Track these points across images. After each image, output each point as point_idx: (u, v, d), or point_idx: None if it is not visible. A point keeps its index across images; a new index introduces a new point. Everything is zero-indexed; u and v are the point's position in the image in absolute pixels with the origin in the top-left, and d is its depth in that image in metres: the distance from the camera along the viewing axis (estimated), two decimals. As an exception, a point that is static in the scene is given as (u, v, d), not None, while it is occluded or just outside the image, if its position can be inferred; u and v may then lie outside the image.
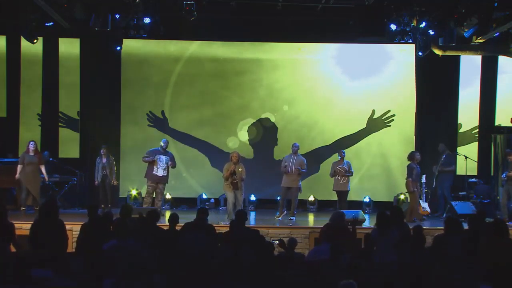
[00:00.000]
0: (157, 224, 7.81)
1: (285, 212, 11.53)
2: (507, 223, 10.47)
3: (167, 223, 8.26)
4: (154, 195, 11.39)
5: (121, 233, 6.64)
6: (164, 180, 11.31)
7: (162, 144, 11.37)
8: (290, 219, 11.22)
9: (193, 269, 5.71)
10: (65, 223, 7.26)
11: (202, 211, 7.95)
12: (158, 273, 5.58)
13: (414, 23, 10.83)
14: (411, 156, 11.51)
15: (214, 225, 8.27)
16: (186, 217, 8.36)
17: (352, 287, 4.66)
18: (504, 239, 6.83)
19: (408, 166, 11.36)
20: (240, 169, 10.82)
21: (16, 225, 8.37)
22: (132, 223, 7.65)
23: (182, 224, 7.98)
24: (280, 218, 11.36)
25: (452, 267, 6.00)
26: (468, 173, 12.41)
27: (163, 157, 11.26)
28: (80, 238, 7.63)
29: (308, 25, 12.85)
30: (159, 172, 11.21)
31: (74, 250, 8.30)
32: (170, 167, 11.33)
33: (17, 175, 11.28)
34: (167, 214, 11.95)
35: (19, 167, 11.25)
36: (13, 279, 5.23)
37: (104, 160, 11.90)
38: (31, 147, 11.34)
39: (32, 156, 11.33)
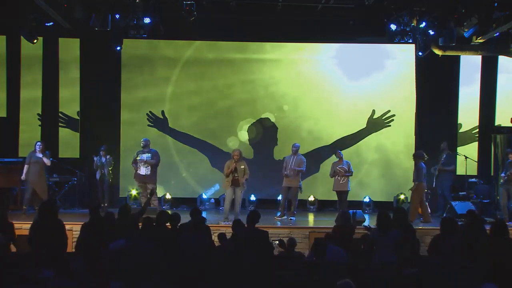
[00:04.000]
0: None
1: (285, 215, 11.47)
2: (507, 223, 10.54)
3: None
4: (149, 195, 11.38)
5: (123, 232, 6.62)
6: (148, 179, 11.36)
7: (141, 143, 11.51)
8: (290, 219, 11.21)
9: (193, 269, 5.71)
10: (65, 223, 7.25)
11: (197, 211, 7.99)
12: (163, 273, 5.57)
13: (414, 23, 10.84)
14: (420, 155, 11.19)
15: (214, 225, 8.28)
16: (187, 217, 8.35)
17: (349, 287, 4.64)
18: (504, 239, 6.84)
19: (419, 166, 11.04)
20: (242, 167, 10.81)
21: (16, 225, 8.40)
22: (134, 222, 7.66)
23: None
24: (279, 218, 11.33)
25: (451, 267, 6.00)
26: (468, 173, 12.43)
27: (144, 156, 11.38)
28: (80, 238, 7.63)
29: (308, 25, 12.85)
30: (142, 170, 11.34)
31: (74, 250, 8.30)
32: (149, 164, 11.32)
33: (23, 176, 11.26)
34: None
35: (25, 167, 11.23)
36: (13, 279, 5.23)
37: (103, 159, 12.09)
38: (38, 147, 11.34)
39: (39, 156, 11.32)
